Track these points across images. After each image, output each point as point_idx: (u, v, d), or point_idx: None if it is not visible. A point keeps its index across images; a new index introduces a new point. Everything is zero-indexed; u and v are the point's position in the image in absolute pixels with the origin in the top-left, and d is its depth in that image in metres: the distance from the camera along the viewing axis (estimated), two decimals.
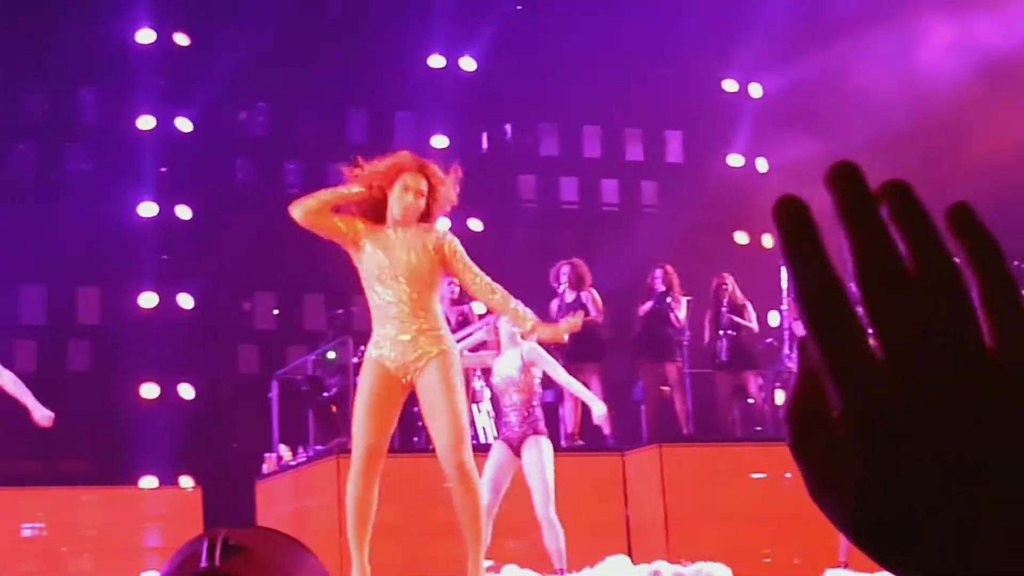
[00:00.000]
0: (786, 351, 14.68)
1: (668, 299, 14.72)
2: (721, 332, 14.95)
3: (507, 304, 7.54)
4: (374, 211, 7.39)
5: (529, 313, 7.69)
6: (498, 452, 9.84)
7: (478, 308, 13.98)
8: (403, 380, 7.23)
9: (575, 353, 14.14)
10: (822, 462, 0.75)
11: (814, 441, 0.75)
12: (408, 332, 7.17)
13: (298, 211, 7.28)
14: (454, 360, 7.31)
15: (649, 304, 14.86)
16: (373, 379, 7.23)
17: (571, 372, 13.83)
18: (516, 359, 9.83)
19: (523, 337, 9.34)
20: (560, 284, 14.51)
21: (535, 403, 9.98)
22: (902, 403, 0.73)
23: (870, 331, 0.74)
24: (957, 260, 0.74)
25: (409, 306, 7.18)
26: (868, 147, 17.74)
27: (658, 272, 14.92)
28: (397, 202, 7.28)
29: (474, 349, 10.45)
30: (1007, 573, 0.71)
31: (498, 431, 10.06)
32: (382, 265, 7.20)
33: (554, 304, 14.57)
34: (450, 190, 7.58)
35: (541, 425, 9.88)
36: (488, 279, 7.45)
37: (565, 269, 14.58)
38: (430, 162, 7.58)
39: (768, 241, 20.27)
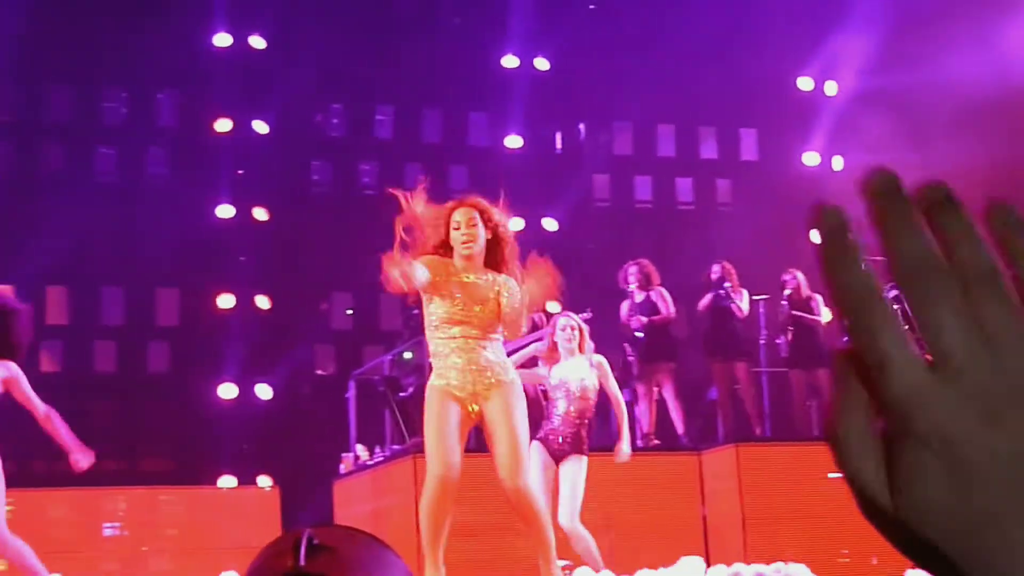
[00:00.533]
0: None
1: (726, 285, 14.51)
2: (780, 330, 14.80)
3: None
4: (442, 250, 7.40)
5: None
6: (537, 454, 9.69)
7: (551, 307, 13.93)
8: (470, 408, 7.31)
9: (649, 353, 14.10)
10: (872, 482, 0.72)
11: (862, 461, 0.72)
12: (475, 363, 7.29)
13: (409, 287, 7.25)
14: (517, 389, 7.42)
15: (708, 297, 14.69)
16: (441, 406, 7.27)
17: (645, 373, 13.99)
18: (583, 368, 9.80)
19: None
20: (629, 285, 14.42)
21: (587, 419, 9.90)
22: (954, 413, 0.69)
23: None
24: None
25: (475, 343, 7.32)
26: (949, 144, 17.58)
27: (715, 267, 14.75)
28: (456, 245, 7.31)
29: (524, 365, 10.32)
30: None
31: (543, 435, 9.83)
32: (452, 313, 7.27)
33: (624, 305, 14.54)
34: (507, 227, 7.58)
35: (585, 446, 9.84)
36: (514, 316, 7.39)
37: (632, 269, 14.41)
38: (479, 200, 7.50)
39: None
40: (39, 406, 8.78)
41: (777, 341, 14.89)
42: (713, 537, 12.57)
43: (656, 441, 14.08)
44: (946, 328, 0.69)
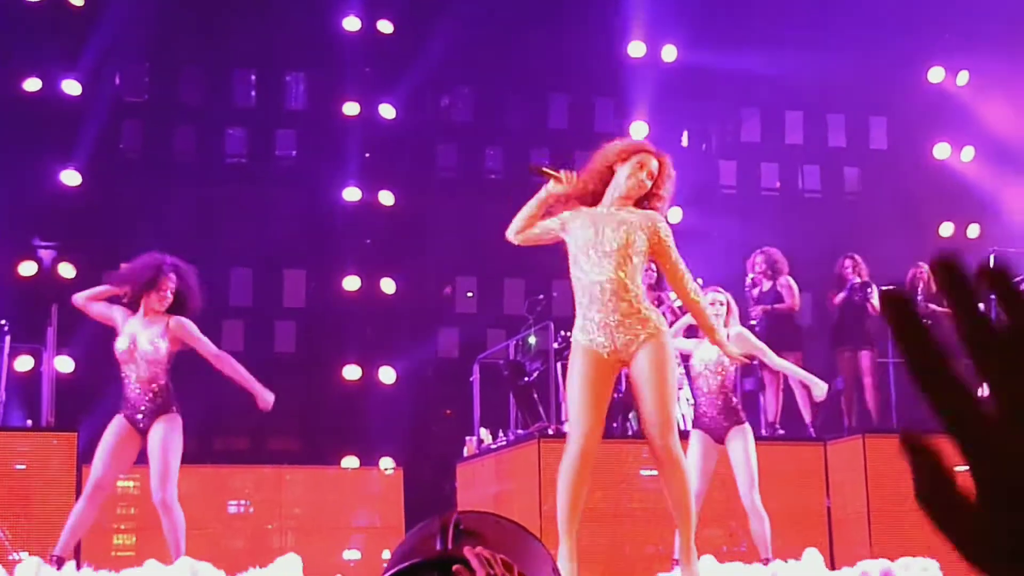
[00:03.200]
0: None
1: (869, 289, 14.42)
2: None
3: (702, 311, 7.58)
4: (591, 198, 7.35)
5: (718, 324, 7.52)
6: (698, 441, 9.81)
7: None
8: (616, 364, 7.16)
9: (773, 342, 13.88)
10: (969, 536, 0.80)
11: (955, 517, 0.81)
12: (616, 314, 7.03)
13: (513, 236, 7.38)
14: (665, 341, 7.14)
15: (843, 295, 14.59)
16: (587, 366, 7.06)
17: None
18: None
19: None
20: (754, 273, 14.48)
21: (733, 390, 9.97)
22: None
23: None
24: None
25: (614, 286, 7.03)
26: None
27: (848, 262, 14.72)
28: (626, 179, 7.23)
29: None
30: None
31: (696, 420, 9.98)
32: (589, 239, 7.10)
33: (753, 293, 14.53)
34: (671, 189, 7.52)
35: (742, 414, 9.90)
36: (691, 278, 7.36)
37: (759, 259, 14.49)
38: (667, 156, 7.52)
39: (973, 231, 19.81)
40: (211, 349, 9.50)
41: None
42: (838, 529, 12.49)
43: (781, 431, 14.00)
44: (1004, 379, 0.80)
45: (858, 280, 14.53)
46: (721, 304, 9.77)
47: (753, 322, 13.98)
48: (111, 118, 19.48)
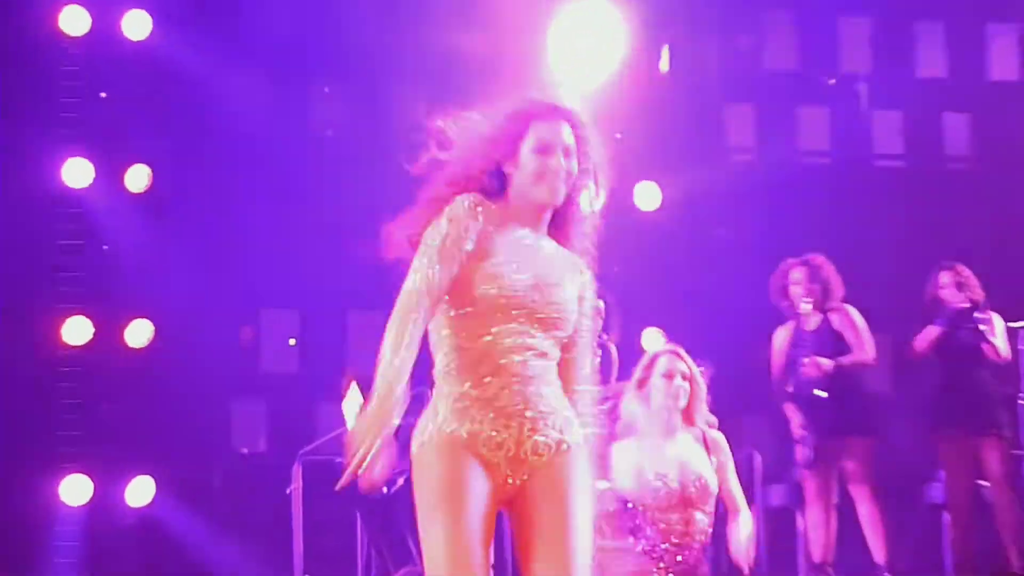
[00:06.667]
0: None
1: (978, 316, 13.19)
2: None
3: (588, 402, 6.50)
4: (490, 184, 6.21)
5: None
6: None
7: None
8: (508, 481, 5.93)
9: (825, 423, 12.90)
10: None
11: None
12: (520, 404, 5.93)
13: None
14: (582, 456, 6.14)
15: (937, 328, 13.23)
16: (463, 471, 5.90)
17: (820, 458, 12.91)
18: (691, 446, 9.10)
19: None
20: (792, 300, 13.25)
21: (705, 533, 9.11)
22: None
23: None
24: None
25: (534, 361, 5.98)
26: None
27: (947, 277, 13.51)
28: (530, 179, 6.08)
29: None
30: None
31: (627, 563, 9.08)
32: (511, 289, 5.99)
33: (780, 333, 13.36)
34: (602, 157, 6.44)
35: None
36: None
37: (801, 273, 13.31)
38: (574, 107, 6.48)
39: None
40: None
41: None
42: None
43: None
44: None
45: (964, 304, 13.35)
46: (685, 378, 9.22)
47: (821, 392, 12.93)
48: None
